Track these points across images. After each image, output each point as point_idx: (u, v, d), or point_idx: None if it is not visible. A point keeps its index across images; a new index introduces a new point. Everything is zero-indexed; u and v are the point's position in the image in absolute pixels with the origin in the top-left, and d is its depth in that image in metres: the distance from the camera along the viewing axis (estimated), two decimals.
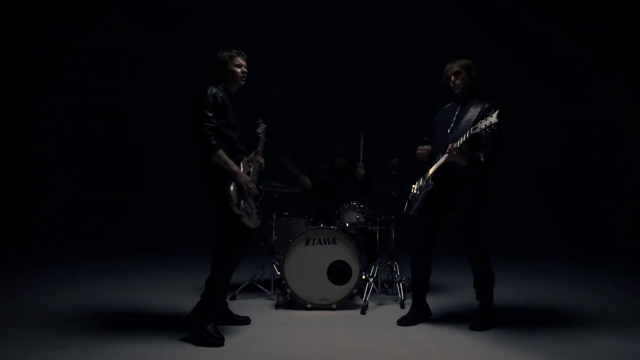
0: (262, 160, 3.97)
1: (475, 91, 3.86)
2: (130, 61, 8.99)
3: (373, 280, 4.72)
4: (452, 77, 3.85)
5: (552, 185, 8.94)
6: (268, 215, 4.92)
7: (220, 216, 3.62)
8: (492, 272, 3.84)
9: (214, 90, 3.59)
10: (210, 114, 3.52)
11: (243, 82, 3.81)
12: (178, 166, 8.41)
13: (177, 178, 8.70)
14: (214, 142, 3.49)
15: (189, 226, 8.55)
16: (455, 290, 5.20)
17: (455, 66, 3.84)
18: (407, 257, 4.18)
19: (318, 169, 5.62)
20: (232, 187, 3.52)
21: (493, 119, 3.30)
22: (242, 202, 3.56)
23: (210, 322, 3.48)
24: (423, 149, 3.96)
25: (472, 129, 3.44)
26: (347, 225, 4.82)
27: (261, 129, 4.19)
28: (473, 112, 3.75)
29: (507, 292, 4.97)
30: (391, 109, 9.03)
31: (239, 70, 3.77)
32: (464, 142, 3.53)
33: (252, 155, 3.95)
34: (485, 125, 3.34)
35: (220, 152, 3.51)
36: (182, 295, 4.92)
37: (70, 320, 4.02)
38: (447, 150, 3.55)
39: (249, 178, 3.66)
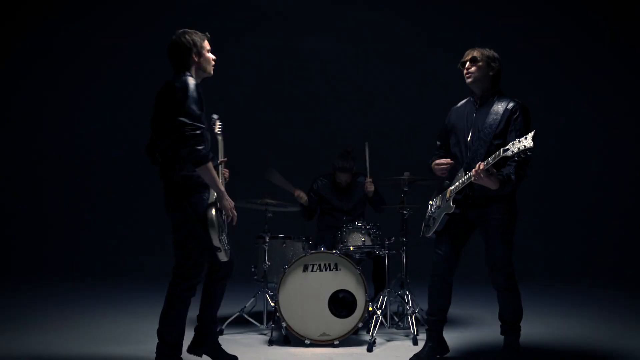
0: (227, 174, 3.73)
1: (495, 88, 3.73)
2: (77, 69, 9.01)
3: (381, 312, 4.64)
4: (468, 64, 3.70)
5: (595, 199, 8.73)
6: (260, 237, 4.86)
7: (184, 242, 3.35)
8: (521, 303, 3.73)
9: (196, 82, 3.31)
10: (199, 113, 3.19)
11: (212, 73, 3.58)
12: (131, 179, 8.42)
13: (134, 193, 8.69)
14: (205, 150, 3.22)
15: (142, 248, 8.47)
16: (476, 323, 5.11)
17: (475, 52, 3.69)
18: (420, 285, 4.08)
19: (317, 184, 5.58)
20: (213, 212, 3.28)
21: (528, 142, 3.18)
22: (222, 232, 3.34)
23: None
24: (442, 163, 3.79)
25: (502, 150, 3.32)
26: (352, 249, 4.75)
27: (218, 127, 3.87)
28: (494, 115, 3.62)
29: (537, 326, 4.87)
30: (401, 115, 8.94)
31: (211, 56, 3.53)
32: (492, 164, 3.40)
33: (218, 165, 3.67)
34: (519, 149, 3.22)
35: (210, 165, 3.23)
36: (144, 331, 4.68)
37: None
38: (474, 173, 3.43)
39: (232, 202, 3.41)
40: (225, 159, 3.71)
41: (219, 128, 3.87)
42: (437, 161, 3.81)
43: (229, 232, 3.55)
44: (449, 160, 3.79)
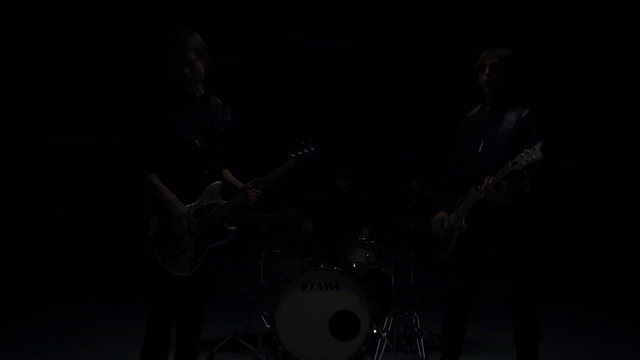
0: (254, 194, 3.57)
1: (510, 93, 3.66)
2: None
3: (387, 335, 4.63)
4: (488, 70, 3.59)
5: (619, 213, 8.53)
6: (255, 253, 4.84)
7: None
8: (538, 326, 3.66)
9: (149, 95, 3.33)
10: (140, 127, 3.29)
11: (190, 79, 3.39)
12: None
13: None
14: (143, 164, 3.25)
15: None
16: (490, 347, 5.09)
17: (495, 57, 3.58)
18: (429, 306, 4.02)
19: (317, 198, 5.68)
20: (155, 218, 3.29)
21: (537, 154, 3.09)
22: (164, 238, 3.28)
23: None
24: (437, 220, 3.77)
25: (510, 163, 3.24)
26: (355, 265, 4.76)
27: (299, 151, 3.71)
28: (507, 124, 3.56)
29: (556, 351, 4.83)
30: (408, 121, 8.89)
31: (179, 73, 3.37)
32: (502, 179, 3.32)
33: (248, 184, 3.60)
34: (527, 161, 3.14)
35: (153, 178, 3.26)
36: None
37: None
38: (484, 188, 3.37)
39: (186, 210, 3.31)
40: (259, 178, 3.61)
41: (299, 152, 3.72)
42: (434, 218, 3.78)
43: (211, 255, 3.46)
44: (443, 216, 3.75)
